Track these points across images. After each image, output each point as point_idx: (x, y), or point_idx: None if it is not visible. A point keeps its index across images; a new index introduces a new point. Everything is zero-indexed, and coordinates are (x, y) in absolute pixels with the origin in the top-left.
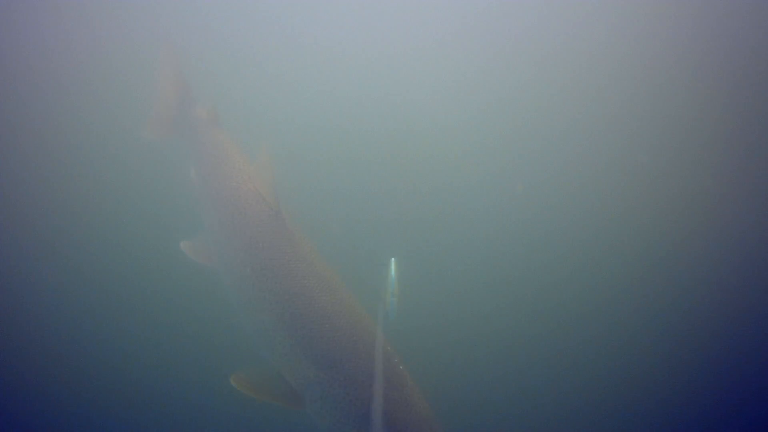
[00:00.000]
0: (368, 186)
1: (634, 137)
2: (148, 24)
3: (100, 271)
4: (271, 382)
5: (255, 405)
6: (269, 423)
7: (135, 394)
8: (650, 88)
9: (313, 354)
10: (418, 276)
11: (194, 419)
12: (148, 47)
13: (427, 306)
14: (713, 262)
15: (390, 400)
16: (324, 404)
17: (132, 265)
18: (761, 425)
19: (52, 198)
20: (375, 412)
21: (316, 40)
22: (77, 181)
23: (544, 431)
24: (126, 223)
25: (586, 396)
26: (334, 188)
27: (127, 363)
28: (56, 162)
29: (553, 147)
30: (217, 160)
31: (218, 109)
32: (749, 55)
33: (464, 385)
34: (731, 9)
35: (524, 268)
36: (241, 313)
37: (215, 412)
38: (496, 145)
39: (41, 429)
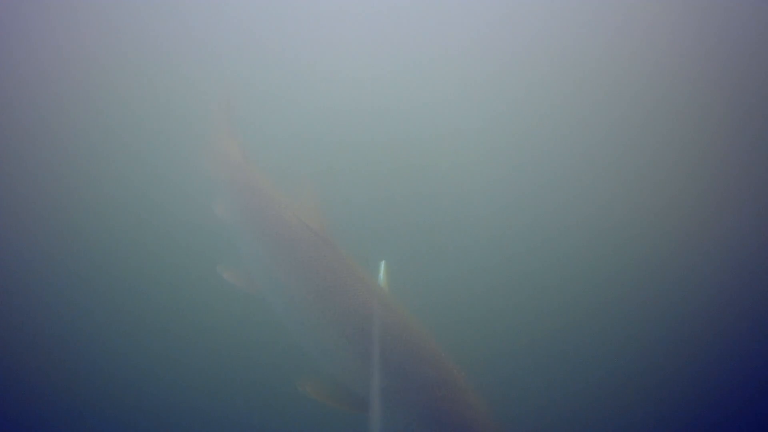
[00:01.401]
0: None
1: (637, 140)
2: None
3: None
4: (339, 389)
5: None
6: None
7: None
8: (655, 91)
9: (381, 366)
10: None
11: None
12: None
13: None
14: (723, 261)
15: (459, 403)
16: (395, 411)
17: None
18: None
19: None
20: (447, 415)
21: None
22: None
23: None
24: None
25: (589, 399)
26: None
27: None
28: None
29: (553, 150)
30: (257, 197)
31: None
32: (752, 55)
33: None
34: (734, 10)
35: (530, 270)
36: (300, 335)
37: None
38: (503, 151)
39: None
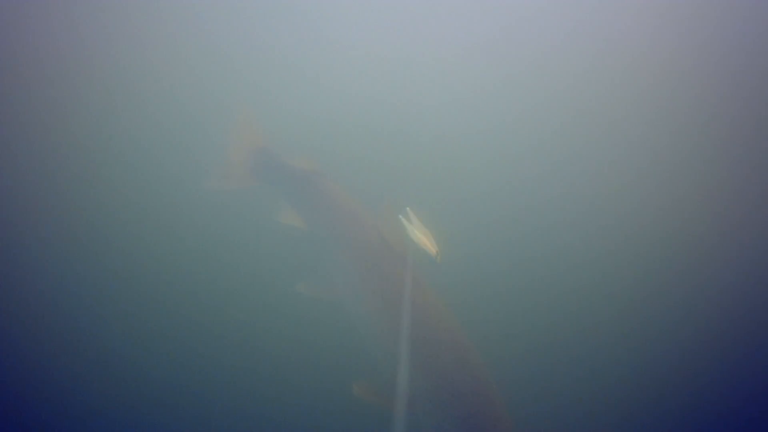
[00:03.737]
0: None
1: (657, 138)
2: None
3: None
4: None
5: None
6: None
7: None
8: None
9: (432, 370)
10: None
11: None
12: None
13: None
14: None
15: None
16: (436, 411)
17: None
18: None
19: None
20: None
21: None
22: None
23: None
24: None
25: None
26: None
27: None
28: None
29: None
30: (341, 210)
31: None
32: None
33: None
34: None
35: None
36: (370, 336)
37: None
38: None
39: None
